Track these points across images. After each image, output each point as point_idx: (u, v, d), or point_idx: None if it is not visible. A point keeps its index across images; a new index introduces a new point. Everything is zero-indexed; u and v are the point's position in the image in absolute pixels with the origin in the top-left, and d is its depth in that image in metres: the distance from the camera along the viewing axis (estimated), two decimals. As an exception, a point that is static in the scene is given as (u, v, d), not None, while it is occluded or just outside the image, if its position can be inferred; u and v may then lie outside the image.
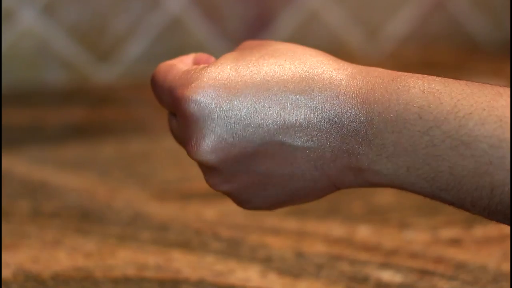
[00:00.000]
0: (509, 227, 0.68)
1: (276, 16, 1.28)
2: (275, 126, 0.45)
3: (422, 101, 0.42)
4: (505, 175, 0.39)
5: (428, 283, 0.59)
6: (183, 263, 0.63)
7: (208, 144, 0.46)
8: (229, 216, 0.72)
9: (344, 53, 1.15)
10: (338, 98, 0.44)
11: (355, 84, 0.45)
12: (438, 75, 0.45)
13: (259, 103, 0.45)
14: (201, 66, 0.48)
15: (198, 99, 0.46)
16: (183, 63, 0.50)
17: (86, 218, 0.72)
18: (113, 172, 0.84)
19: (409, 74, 0.44)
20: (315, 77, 0.45)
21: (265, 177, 0.47)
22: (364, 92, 0.44)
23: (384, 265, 0.62)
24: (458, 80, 0.43)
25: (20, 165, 0.85)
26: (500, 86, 0.42)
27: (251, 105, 0.46)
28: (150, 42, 1.23)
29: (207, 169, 0.48)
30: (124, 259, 0.64)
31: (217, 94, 0.45)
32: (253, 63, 0.46)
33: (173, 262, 0.63)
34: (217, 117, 0.46)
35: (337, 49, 1.24)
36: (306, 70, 0.46)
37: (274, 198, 0.49)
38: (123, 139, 0.95)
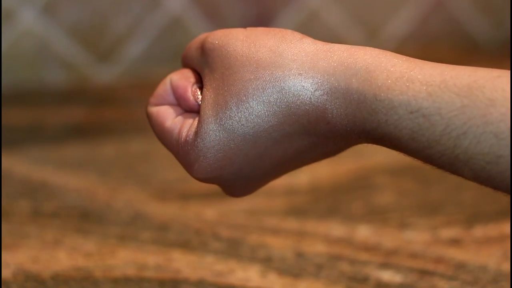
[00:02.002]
0: (509, 227, 0.68)
1: (276, 16, 1.28)
2: (282, 158, 0.47)
3: (412, 124, 0.41)
4: (508, 183, 0.39)
5: (428, 283, 0.59)
6: (183, 263, 0.63)
7: (240, 193, 0.51)
8: (229, 216, 0.72)
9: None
10: (329, 124, 0.44)
11: (339, 105, 0.44)
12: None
13: (259, 146, 0.46)
14: (191, 132, 0.48)
15: (207, 178, 0.48)
16: (168, 114, 0.50)
17: (86, 218, 0.72)
18: (113, 172, 0.84)
19: (388, 82, 0.42)
20: (300, 108, 0.45)
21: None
22: (351, 113, 0.43)
23: (384, 265, 0.62)
24: (445, 79, 0.41)
25: (20, 165, 0.85)
26: (493, 81, 0.40)
27: (252, 151, 0.47)
28: (150, 42, 1.23)
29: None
30: (124, 259, 0.63)
31: (220, 166, 0.47)
32: (233, 119, 0.46)
33: (173, 262, 0.63)
34: (234, 178, 0.48)
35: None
36: (287, 105, 0.45)
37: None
38: (123, 139, 0.95)
